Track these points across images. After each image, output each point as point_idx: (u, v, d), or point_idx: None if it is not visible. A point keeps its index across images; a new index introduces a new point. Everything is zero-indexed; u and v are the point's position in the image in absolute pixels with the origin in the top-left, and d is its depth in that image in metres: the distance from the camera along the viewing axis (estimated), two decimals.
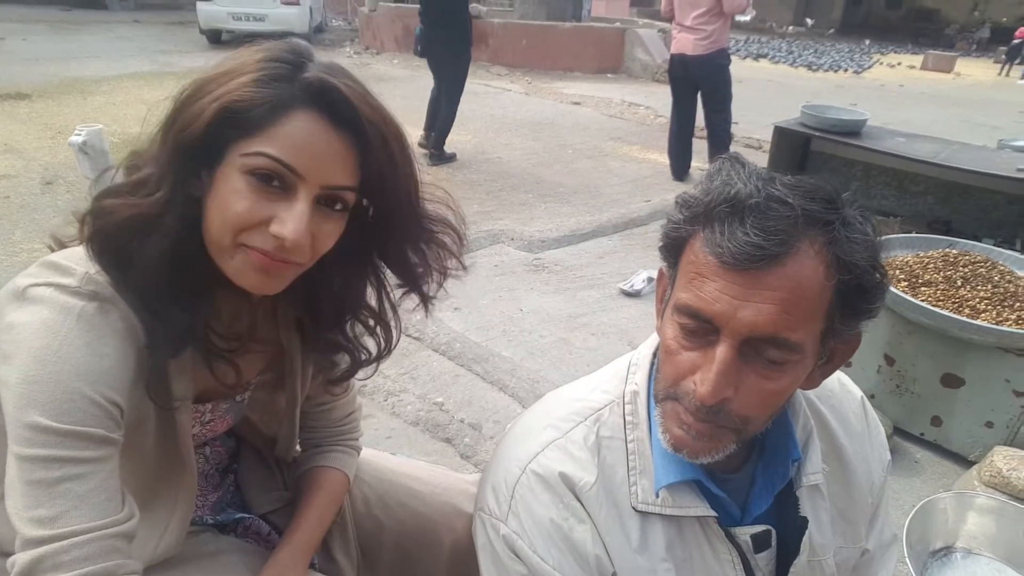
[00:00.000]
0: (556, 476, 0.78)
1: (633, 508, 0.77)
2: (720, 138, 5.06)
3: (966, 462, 2.18)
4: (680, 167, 5.21)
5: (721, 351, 0.65)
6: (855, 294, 0.66)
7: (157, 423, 0.80)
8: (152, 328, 0.73)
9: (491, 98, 7.83)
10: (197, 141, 0.70)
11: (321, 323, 0.91)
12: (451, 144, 5.49)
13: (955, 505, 1.59)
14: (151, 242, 0.72)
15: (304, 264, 0.77)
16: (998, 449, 1.96)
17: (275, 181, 0.71)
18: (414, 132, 5.88)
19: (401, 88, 7.76)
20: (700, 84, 4.91)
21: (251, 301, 0.88)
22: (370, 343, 0.97)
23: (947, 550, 1.58)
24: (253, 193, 0.70)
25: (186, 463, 0.87)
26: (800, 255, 0.62)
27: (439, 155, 5.27)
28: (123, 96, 6.64)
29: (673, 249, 0.72)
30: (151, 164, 0.74)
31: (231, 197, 0.70)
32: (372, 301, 0.93)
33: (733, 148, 5.24)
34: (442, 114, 5.19)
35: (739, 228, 0.62)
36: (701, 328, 0.67)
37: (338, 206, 0.76)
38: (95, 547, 0.67)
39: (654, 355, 0.83)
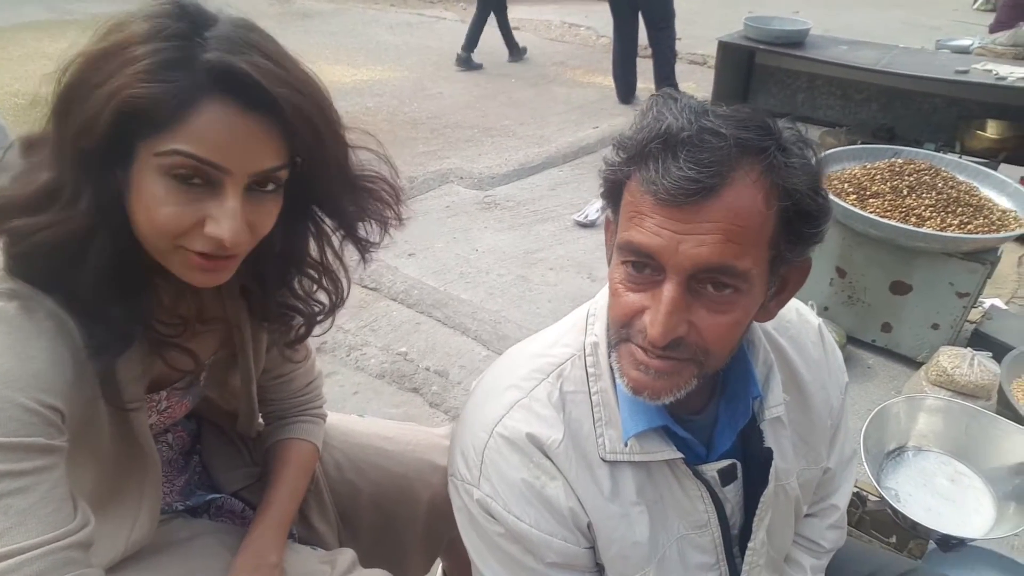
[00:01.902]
0: (523, 437, 0.77)
1: (602, 459, 0.78)
2: (664, 57, 4.95)
3: (915, 364, 2.29)
4: (626, 90, 5.12)
5: (668, 289, 0.64)
6: (798, 219, 0.65)
7: (110, 420, 0.76)
8: (92, 331, 0.68)
9: (425, 28, 7.47)
10: (100, 146, 0.62)
11: (267, 286, 0.87)
12: (388, 80, 5.35)
13: (907, 408, 1.66)
14: (89, 257, 0.66)
15: (245, 253, 0.73)
16: (943, 349, 2.05)
17: (196, 179, 0.65)
18: (347, 71, 5.59)
19: (328, 23, 7.33)
20: (639, 2, 4.77)
21: (193, 288, 0.82)
22: (321, 297, 0.93)
23: (900, 450, 1.66)
24: (176, 196, 0.65)
25: (147, 455, 0.84)
26: (736, 185, 0.62)
27: (516, 53, 6.27)
28: (20, 50, 6.04)
29: (613, 192, 0.70)
30: (52, 168, 0.65)
31: (154, 203, 0.65)
32: (315, 254, 0.89)
33: (678, 66, 5.15)
34: (501, 22, 6.03)
35: (672, 163, 0.61)
36: (647, 266, 0.65)
37: (270, 187, 0.71)
38: (46, 562, 0.63)
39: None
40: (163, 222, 0.65)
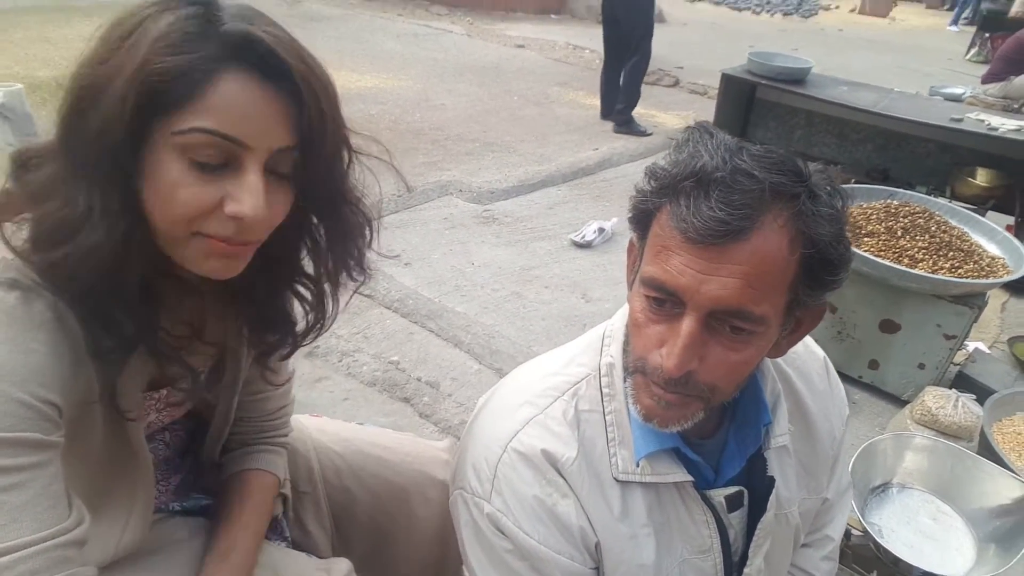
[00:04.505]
0: (538, 453, 0.78)
1: (614, 478, 0.79)
2: (629, 87, 5.04)
3: (900, 402, 2.33)
4: (607, 110, 5.25)
5: (686, 324, 0.65)
6: (819, 267, 0.67)
7: (104, 419, 0.75)
8: (98, 332, 0.67)
9: (432, 40, 7.52)
10: (123, 136, 0.61)
11: (257, 295, 0.85)
12: (392, 89, 5.42)
13: (894, 445, 1.69)
14: (110, 262, 0.64)
15: (260, 240, 0.71)
16: (929, 389, 2.09)
17: (215, 158, 0.63)
18: (351, 76, 5.62)
19: (335, 28, 7.36)
20: (622, 24, 4.89)
21: (197, 292, 0.81)
22: (307, 316, 0.90)
23: (885, 486, 1.68)
24: (195, 177, 0.63)
25: (139, 459, 0.82)
26: (764, 229, 0.63)
27: None
28: (22, 33, 5.97)
29: (641, 220, 0.71)
30: (69, 183, 0.63)
31: (172, 188, 0.63)
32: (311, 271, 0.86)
33: (679, 95, 5.23)
34: None
35: (704, 203, 0.62)
36: (667, 301, 0.67)
37: (284, 171, 0.69)
38: (41, 560, 0.62)
39: (627, 326, 0.82)
40: (180, 206, 0.63)
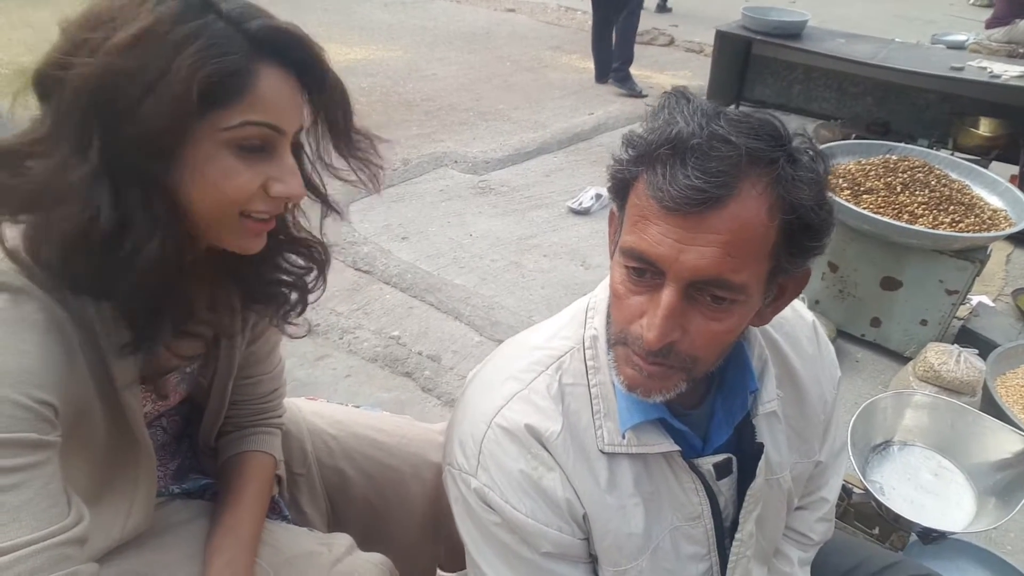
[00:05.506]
0: (522, 428, 0.78)
1: (600, 451, 0.79)
2: (623, 43, 4.96)
3: (902, 359, 2.32)
4: (601, 69, 5.16)
5: (666, 295, 0.65)
6: (800, 232, 0.65)
7: (104, 412, 0.75)
8: (115, 330, 0.70)
9: (420, 7, 7.37)
10: (175, 139, 0.64)
11: (260, 264, 0.86)
12: (382, 60, 5.33)
13: (894, 403, 1.69)
14: (162, 272, 0.68)
15: None
16: (931, 345, 2.08)
17: (260, 146, 0.69)
18: (340, 49, 5.53)
19: (321, 0, 7.21)
20: None
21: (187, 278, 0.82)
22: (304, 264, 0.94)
23: (886, 444, 1.69)
24: (244, 165, 0.69)
25: (141, 446, 0.83)
26: (742, 196, 0.61)
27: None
28: (3, 19, 5.89)
29: (620, 190, 0.70)
30: (90, 187, 0.63)
31: (224, 177, 0.68)
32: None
33: (673, 54, 5.12)
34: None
35: (680, 171, 0.61)
36: (647, 271, 0.66)
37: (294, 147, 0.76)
38: (42, 559, 0.63)
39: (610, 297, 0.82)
40: (235, 189, 0.69)
